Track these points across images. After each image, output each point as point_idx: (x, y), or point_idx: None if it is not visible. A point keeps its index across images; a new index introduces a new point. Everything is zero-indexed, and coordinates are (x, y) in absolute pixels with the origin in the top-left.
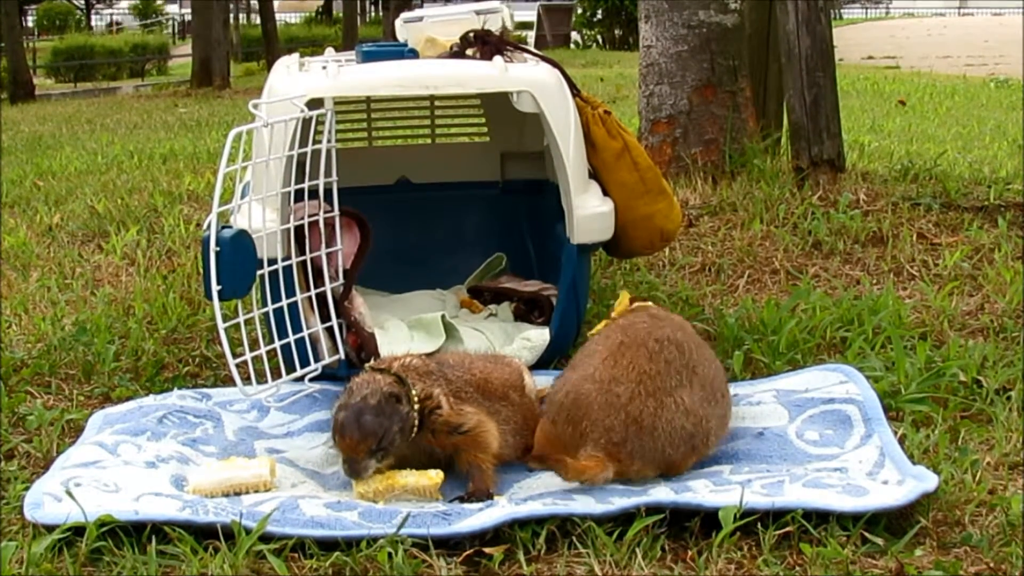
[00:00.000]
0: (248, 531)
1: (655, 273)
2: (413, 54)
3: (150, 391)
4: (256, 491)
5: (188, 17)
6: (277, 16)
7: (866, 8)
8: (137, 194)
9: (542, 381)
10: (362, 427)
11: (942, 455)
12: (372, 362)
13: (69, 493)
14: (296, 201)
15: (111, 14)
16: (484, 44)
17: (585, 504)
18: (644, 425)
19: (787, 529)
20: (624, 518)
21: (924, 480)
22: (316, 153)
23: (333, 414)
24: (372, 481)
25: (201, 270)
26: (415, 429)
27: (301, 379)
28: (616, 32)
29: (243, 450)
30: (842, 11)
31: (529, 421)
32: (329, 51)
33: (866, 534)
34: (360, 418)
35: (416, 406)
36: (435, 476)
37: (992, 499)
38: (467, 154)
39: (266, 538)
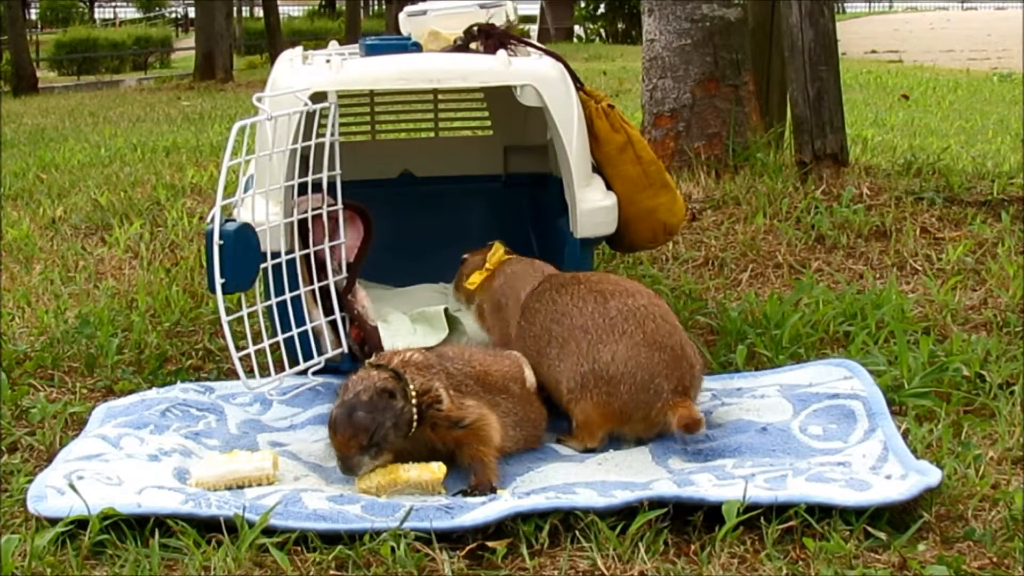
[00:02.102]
0: (251, 524)
1: (658, 267)
2: (416, 48)
3: (153, 384)
4: (259, 484)
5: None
6: (280, 9)
7: (869, 2)
8: (140, 187)
9: None
10: (353, 423)
11: (945, 450)
12: (373, 357)
13: (72, 486)
14: (299, 194)
15: (114, 7)
16: (488, 38)
17: (588, 498)
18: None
19: (790, 523)
20: (627, 512)
21: (927, 475)
22: (319, 146)
23: (330, 411)
24: (374, 475)
25: (204, 263)
26: (413, 423)
27: (304, 372)
28: (619, 26)
29: (246, 443)
30: (845, 5)
31: (530, 413)
32: (333, 44)
33: (869, 528)
34: (352, 415)
35: (414, 401)
36: (437, 470)
37: (995, 494)
38: (470, 148)
39: (269, 531)
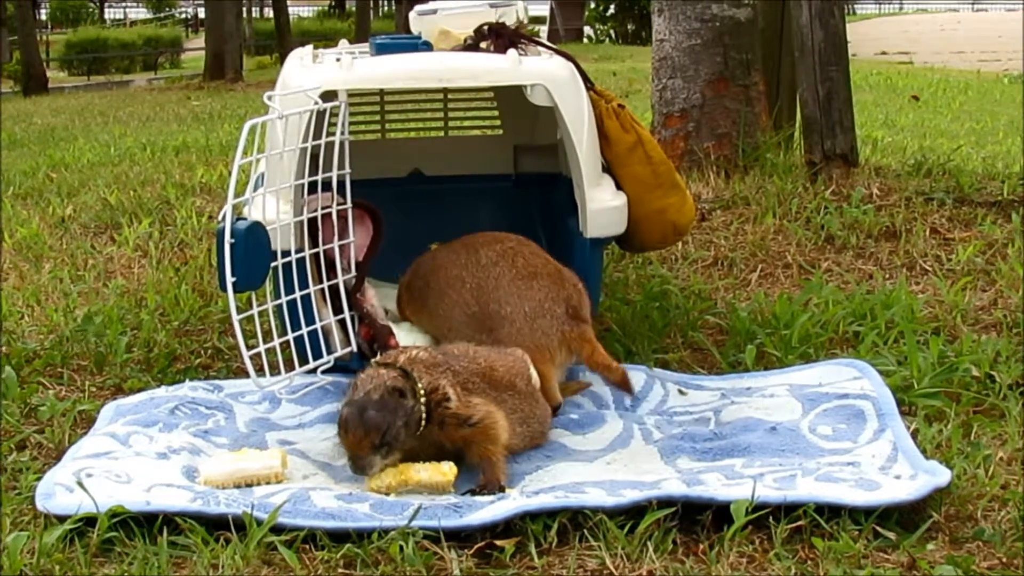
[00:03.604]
0: (259, 522)
1: (667, 267)
2: (427, 47)
3: (162, 382)
4: (267, 482)
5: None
6: (289, 9)
7: (879, 3)
8: (150, 186)
9: None
10: (365, 423)
11: (955, 450)
12: (379, 356)
13: (80, 484)
14: (308, 193)
15: (124, 7)
16: (498, 37)
17: (596, 497)
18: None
19: (799, 523)
20: (635, 511)
21: (936, 475)
22: (329, 145)
23: (340, 411)
24: (385, 475)
25: (215, 262)
26: (422, 422)
27: (313, 371)
28: (629, 26)
29: (255, 441)
30: (855, 6)
31: (535, 410)
32: (343, 43)
33: (878, 528)
34: (363, 414)
35: (423, 399)
36: (448, 471)
37: (1005, 494)
38: (480, 147)
39: (277, 529)
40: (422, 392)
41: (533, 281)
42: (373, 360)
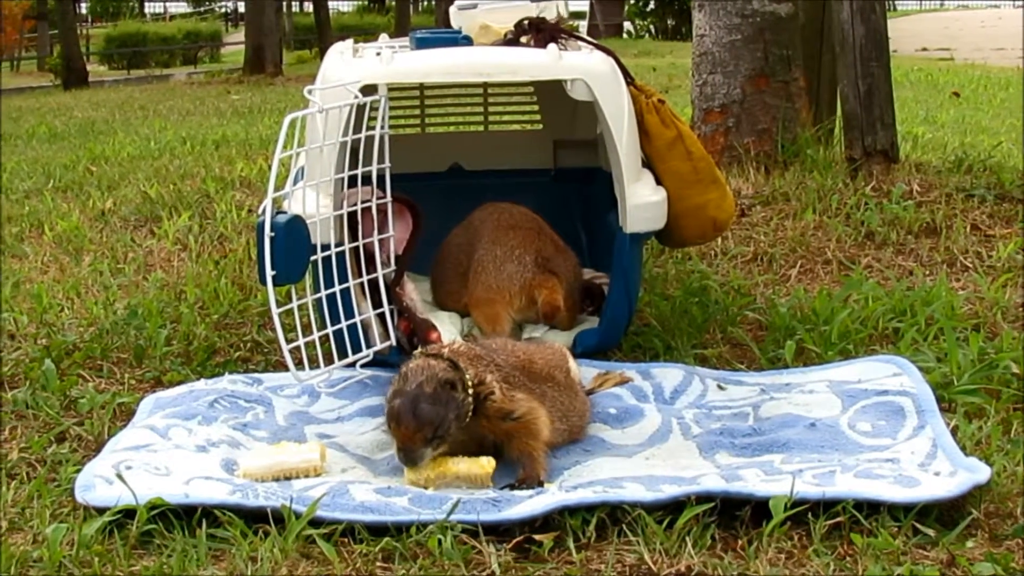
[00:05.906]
0: (298, 516)
1: (707, 262)
2: (467, 41)
3: (201, 375)
4: (306, 476)
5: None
6: (329, 4)
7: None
8: (189, 180)
9: (589, 372)
10: (418, 416)
11: (994, 447)
12: (421, 348)
13: (120, 476)
14: (349, 187)
15: (164, 2)
16: (538, 31)
17: (635, 492)
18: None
19: (838, 519)
20: (674, 506)
21: (976, 472)
22: (369, 139)
23: (388, 400)
24: (424, 468)
25: (254, 255)
26: (469, 415)
27: (352, 365)
28: (668, 22)
29: (293, 435)
30: (896, 3)
31: (575, 403)
32: (383, 37)
33: (917, 525)
34: (416, 406)
35: (471, 391)
36: (487, 464)
37: None
38: (520, 141)
39: (316, 523)
40: (470, 384)
41: (509, 231)
42: (419, 351)
